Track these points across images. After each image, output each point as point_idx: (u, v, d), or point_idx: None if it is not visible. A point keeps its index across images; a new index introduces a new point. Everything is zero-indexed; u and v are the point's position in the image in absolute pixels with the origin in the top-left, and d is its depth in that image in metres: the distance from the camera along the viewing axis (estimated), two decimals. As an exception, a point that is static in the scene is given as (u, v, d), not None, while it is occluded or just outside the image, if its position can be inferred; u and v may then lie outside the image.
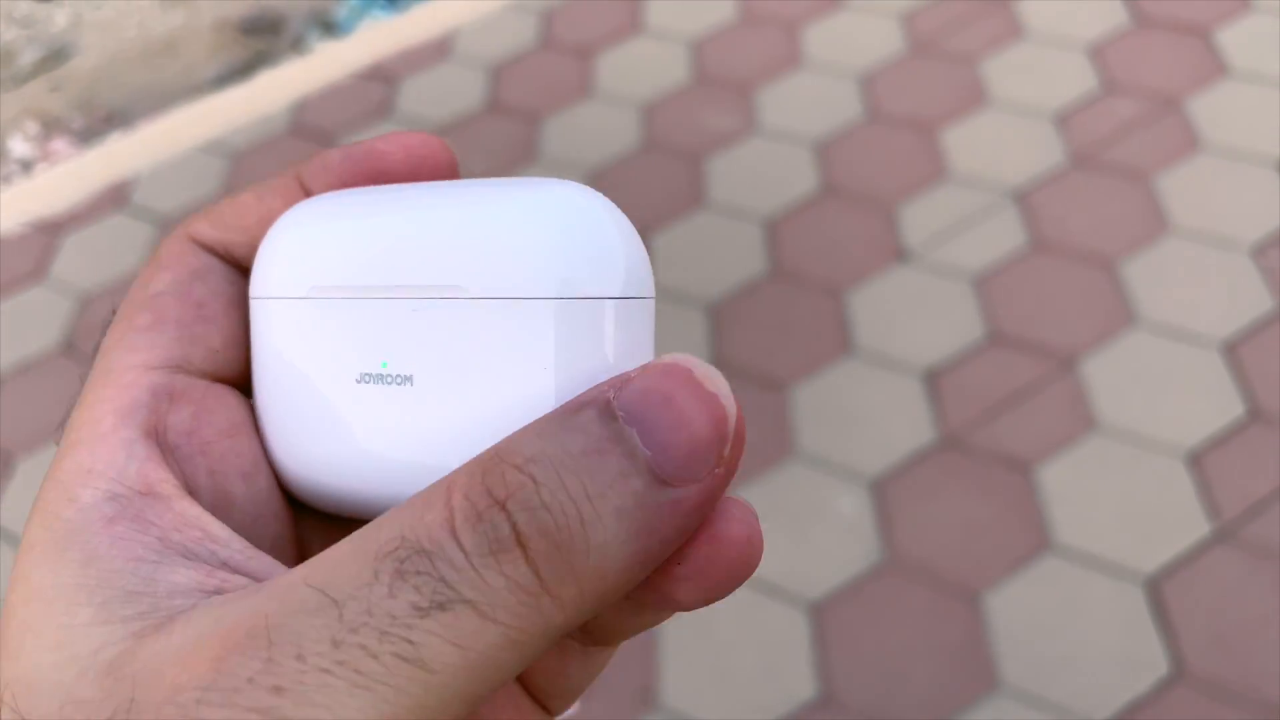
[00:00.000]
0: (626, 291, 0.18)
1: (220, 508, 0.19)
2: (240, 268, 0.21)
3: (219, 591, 0.16)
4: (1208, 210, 1.18)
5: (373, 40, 1.58)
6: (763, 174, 1.30)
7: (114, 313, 0.20)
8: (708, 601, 0.18)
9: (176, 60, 1.69)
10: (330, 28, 1.68)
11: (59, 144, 1.58)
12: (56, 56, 1.74)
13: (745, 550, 0.17)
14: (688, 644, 0.94)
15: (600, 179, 1.29)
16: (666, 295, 1.19)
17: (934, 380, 1.08)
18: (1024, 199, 1.22)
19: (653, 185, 1.30)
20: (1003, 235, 1.19)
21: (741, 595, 0.95)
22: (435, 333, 0.18)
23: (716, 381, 0.16)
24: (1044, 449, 1.01)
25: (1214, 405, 1.02)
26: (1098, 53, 1.36)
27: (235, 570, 0.17)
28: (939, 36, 1.42)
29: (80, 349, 1.27)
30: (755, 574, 0.99)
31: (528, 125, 1.40)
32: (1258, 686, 0.86)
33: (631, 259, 0.18)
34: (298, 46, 1.66)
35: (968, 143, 1.29)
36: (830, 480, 1.02)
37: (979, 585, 0.94)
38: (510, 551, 0.15)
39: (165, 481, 0.17)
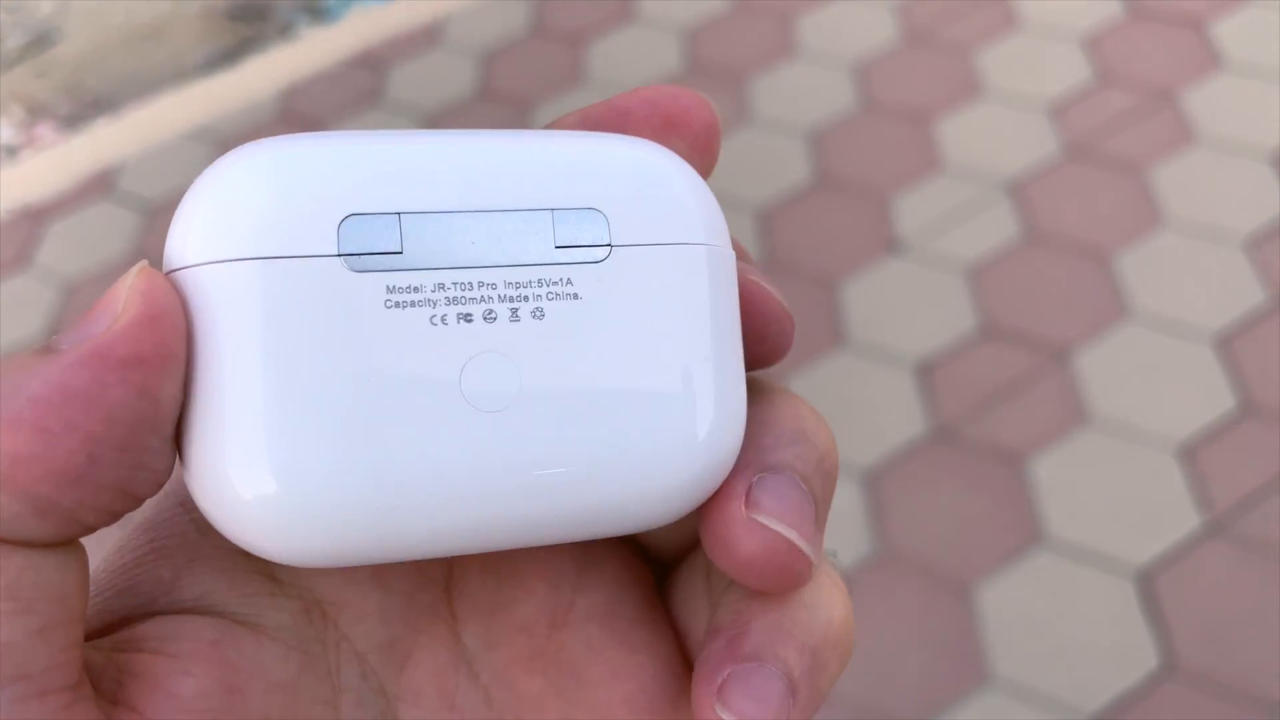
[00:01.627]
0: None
1: None
2: None
3: None
4: (1202, 203, 1.18)
5: (362, 27, 1.57)
6: (755, 164, 1.29)
7: None
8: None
9: (163, 46, 1.67)
10: (319, 14, 1.67)
11: (44, 130, 1.56)
12: (42, 42, 1.72)
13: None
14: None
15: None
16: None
17: (926, 372, 1.07)
18: (1017, 190, 1.22)
19: (644, 175, 1.29)
20: (996, 227, 1.19)
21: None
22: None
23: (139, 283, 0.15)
24: (1036, 442, 1.01)
25: (1206, 398, 1.02)
26: (1092, 44, 1.36)
27: None
28: (933, 27, 1.42)
29: (65, 337, 1.26)
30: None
31: (519, 113, 1.39)
32: (1248, 680, 0.85)
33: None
34: (286, 33, 1.64)
35: (961, 134, 1.28)
36: (822, 472, 1.02)
37: (970, 578, 0.94)
38: None
39: None
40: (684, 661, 0.19)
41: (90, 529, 0.15)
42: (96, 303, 0.15)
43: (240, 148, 0.16)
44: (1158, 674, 0.87)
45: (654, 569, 0.21)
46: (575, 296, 0.16)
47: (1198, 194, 1.19)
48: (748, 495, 0.17)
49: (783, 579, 0.17)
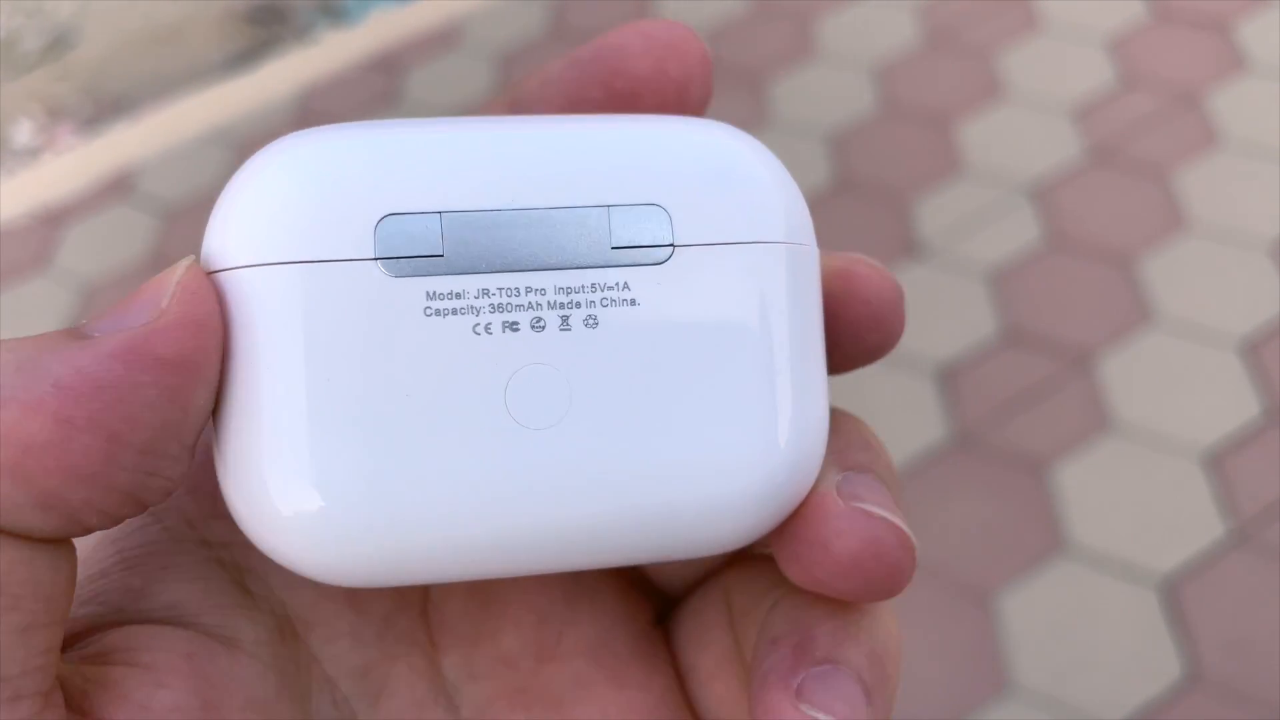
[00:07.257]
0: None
1: None
2: None
3: None
4: (1227, 207, 1.17)
5: (380, 29, 1.58)
6: (774, 167, 1.29)
7: None
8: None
9: (182, 49, 1.68)
10: (337, 16, 1.67)
11: (64, 132, 1.57)
12: (61, 44, 1.73)
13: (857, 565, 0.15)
14: (696, 643, 0.93)
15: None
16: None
17: (947, 378, 1.07)
18: (1040, 194, 1.21)
19: (663, 178, 1.29)
20: (1018, 231, 1.18)
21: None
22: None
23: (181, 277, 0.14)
24: (1059, 448, 1.00)
25: (1232, 405, 1.01)
26: (1115, 47, 1.35)
27: None
28: (955, 28, 1.41)
29: (84, 339, 1.26)
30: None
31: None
32: (1273, 691, 0.85)
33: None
34: (304, 35, 1.65)
35: (983, 137, 1.28)
36: (841, 478, 1.01)
37: (991, 586, 0.93)
38: None
39: None
40: (678, 701, 0.18)
41: (89, 530, 0.14)
42: (138, 291, 0.14)
43: (280, 140, 0.15)
44: (1181, 684, 0.86)
45: (654, 602, 0.20)
46: (633, 303, 0.15)
47: (1222, 198, 1.18)
48: (838, 489, 0.15)
49: (888, 577, 0.15)
